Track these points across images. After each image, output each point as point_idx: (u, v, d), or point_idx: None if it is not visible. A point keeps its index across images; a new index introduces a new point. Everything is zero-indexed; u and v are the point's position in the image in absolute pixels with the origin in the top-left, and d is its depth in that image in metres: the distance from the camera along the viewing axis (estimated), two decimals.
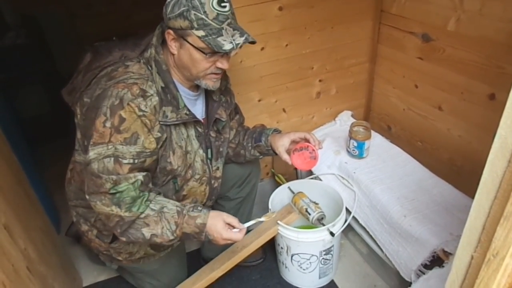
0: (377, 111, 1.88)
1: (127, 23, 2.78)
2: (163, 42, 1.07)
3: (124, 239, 1.06)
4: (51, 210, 1.75)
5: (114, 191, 0.99)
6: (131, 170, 1.00)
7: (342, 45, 1.67)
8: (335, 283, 1.53)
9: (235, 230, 1.10)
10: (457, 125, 1.44)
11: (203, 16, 0.94)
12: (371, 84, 1.83)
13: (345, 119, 1.83)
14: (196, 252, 1.68)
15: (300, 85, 1.70)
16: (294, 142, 1.25)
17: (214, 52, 0.98)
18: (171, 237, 1.06)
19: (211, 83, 1.08)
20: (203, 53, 0.99)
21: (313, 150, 1.21)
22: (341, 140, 1.69)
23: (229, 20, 0.97)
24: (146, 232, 1.04)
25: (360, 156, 1.58)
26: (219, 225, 1.07)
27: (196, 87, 1.16)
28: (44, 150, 2.29)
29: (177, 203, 1.08)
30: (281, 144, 1.24)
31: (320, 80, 1.73)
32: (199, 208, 1.09)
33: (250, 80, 1.58)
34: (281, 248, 1.44)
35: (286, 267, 1.49)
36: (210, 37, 0.95)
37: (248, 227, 1.14)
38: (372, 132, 1.62)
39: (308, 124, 1.84)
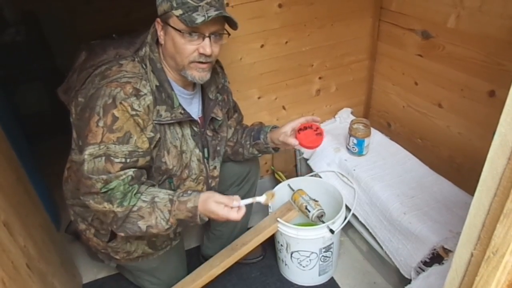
0: (377, 109, 1.87)
1: (127, 20, 2.77)
2: (158, 40, 1.06)
3: (122, 234, 1.06)
4: (50, 207, 1.75)
5: (106, 190, 0.99)
6: (122, 169, 0.99)
7: (342, 42, 1.67)
8: (335, 280, 1.53)
9: (234, 207, 1.04)
10: (457, 122, 1.44)
11: None
12: (370, 81, 1.83)
13: (345, 117, 1.83)
14: (196, 250, 1.69)
15: (300, 82, 1.70)
16: (294, 130, 1.22)
17: (190, 28, 0.96)
18: (166, 226, 1.04)
19: (196, 73, 1.04)
20: (181, 32, 0.97)
21: (317, 127, 1.19)
22: (341, 137, 1.69)
23: (208, 0, 0.96)
24: (142, 225, 1.03)
25: (360, 153, 1.58)
26: (212, 206, 1.02)
27: (191, 86, 1.15)
28: (44, 147, 2.29)
29: (169, 192, 1.06)
30: (283, 132, 1.21)
31: (320, 77, 1.72)
32: (189, 192, 1.06)
33: (250, 77, 1.57)
34: (281, 245, 1.45)
35: (286, 264, 1.49)
36: (186, 14, 0.94)
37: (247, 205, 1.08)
38: (372, 129, 1.61)
39: None
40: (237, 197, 1.05)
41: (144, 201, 1.03)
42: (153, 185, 1.10)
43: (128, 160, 1.00)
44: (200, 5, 0.95)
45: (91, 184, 0.99)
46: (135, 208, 1.02)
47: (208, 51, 0.99)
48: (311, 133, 1.19)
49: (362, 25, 1.66)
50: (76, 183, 1.21)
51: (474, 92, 1.33)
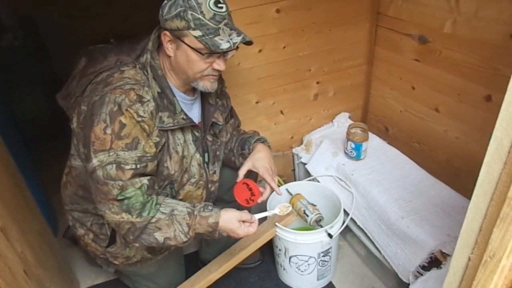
0: (374, 113, 1.88)
1: (125, 25, 2.78)
2: (159, 47, 1.06)
3: (137, 244, 1.06)
4: (48, 213, 1.74)
5: (122, 197, 0.98)
6: (133, 176, 0.99)
7: (340, 47, 1.68)
8: (333, 285, 1.53)
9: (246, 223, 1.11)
10: (454, 127, 1.44)
11: (200, 16, 0.94)
12: (368, 86, 1.84)
13: (343, 121, 1.84)
14: (194, 255, 1.68)
15: (298, 87, 1.70)
16: (250, 170, 1.21)
17: (211, 52, 0.97)
18: (185, 239, 1.05)
19: (208, 84, 1.07)
20: (200, 53, 0.98)
21: (253, 200, 1.17)
22: (339, 142, 1.70)
23: (225, 21, 0.97)
24: (159, 236, 1.03)
25: (357, 157, 1.59)
26: (234, 225, 1.07)
27: (192, 92, 1.16)
28: (42, 152, 2.28)
29: (187, 204, 1.07)
30: (251, 164, 1.20)
31: (317, 82, 1.73)
32: (209, 207, 1.08)
33: (248, 82, 1.58)
34: (279, 250, 1.44)
35: (284, 269, 1.49)
36: (207, 37, 0.95)
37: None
38: (370, 133, 1.62)
39: (306, 126, 1.84)
40: (254, 217, 1.12)
41: (163, 213, 1.03)
42: (167, 196, 1.11)
43: (138, 166, 0.99)
44: (219, 28, 0.96)
45: (107, 191, 0.98)
46: (153, 220, 1.02)
47: (223, 67, 1.03)
48: (245, 195, 1.19)
49: (359, 30, 1.67)
50: (75, 188, 1.21)
51: (471, 97, 1.33)
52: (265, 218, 1.32)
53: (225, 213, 1.08)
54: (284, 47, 1.57)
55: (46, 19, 2.62)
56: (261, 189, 1.19)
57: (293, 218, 1.39)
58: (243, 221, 1.09)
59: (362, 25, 1.66)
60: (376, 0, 1.60)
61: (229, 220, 1.07)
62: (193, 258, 1.65)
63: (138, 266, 1.28)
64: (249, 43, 1.01)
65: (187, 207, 1.06)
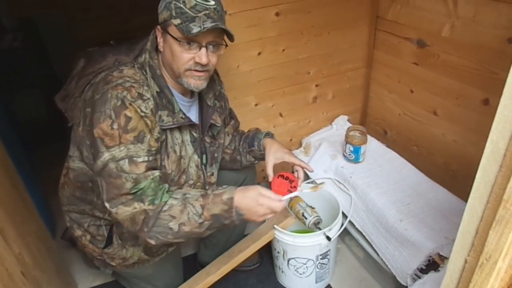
0: (373, 116, 1.89)
1: (126, 27, 2.78)
2: (157, 47, 1.07)
3: (152, 241, 1.01)
4: (46, 214, 1.74)
5: (136, 190, 0.97)
6: (147, 169, 0.98)
7: (339, 50, 1.68)
8: (332, 287, 1.53)
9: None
10: (452, 130, 1.45)
11: (181, 5, 0.96)
12: (367, 89, 1.84)
13: (342, 124, 1.84)
14: (192, 257, 1.68)
15: (297, 90, 1.71)
16: (275, 164, 1.23)
17: (185, 38, 0.97)
18: (200, 220, 0.99)
19: (192, 81, 1.04)
20: (178, 41, 0.98)
21: (295, 186, 1.18)
22: (338, 144, 1.70)
23: (207, 12, 0.97)
24: (174, 225, 0.99)
25: (356, 160, 1.59)
26: (253, 193, 1.00)
27: (189, 93, 1.16)
28: (40, 153, 2.28)
29: (201, 190, 1.05)
30: (274, 157, 1.22)
31: (316, 85, 1.74)
32: (224, 186, 1.06)
33: (247, 85, 1.58)
34: (278, 252, 1.44)
35: (282, 271, 1.49)
36: (183, 24, 0.96)
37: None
38: (368, 136, 1.62)
39: (305, 128, 1.84)
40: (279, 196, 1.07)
41: (175, 198, 1.00)
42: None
43: (150, 158, 0.99)
44: (198, 16, 0.96)
45: (121, 184, 0.96)
46: (166, 207, 0.98)
47: (204, 60, 1.00)
48: (285, 186, 1.19)
49: (358, 34, 1.68)
50: (73, 190, 1.21)
51: (468, 100, 1.34)
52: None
53: (241, 188, 1.02)
54: (283, 50, 1.57)
55: (46, 20, 2.62)
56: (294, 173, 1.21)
57: (291, 220, 1.39)
58: (264, 196, 1.01)
59: (361, 28, 1.67)
60: (375, 4, 1.61)
61: (247, 194, 1.00)
62: (191, 260, 1.65)
63: (135, 267, 1.28)
64: (228, 33, 1.01)
65: (200, 191, 1.04)
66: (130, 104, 0.97)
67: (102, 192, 1.00)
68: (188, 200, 1.00)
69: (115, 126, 0.96)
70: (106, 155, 0.96)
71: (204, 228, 1.01)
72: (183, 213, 0.99)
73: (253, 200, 1.01)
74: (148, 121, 1.00)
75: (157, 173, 1.00)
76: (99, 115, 0.97)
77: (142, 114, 0.98)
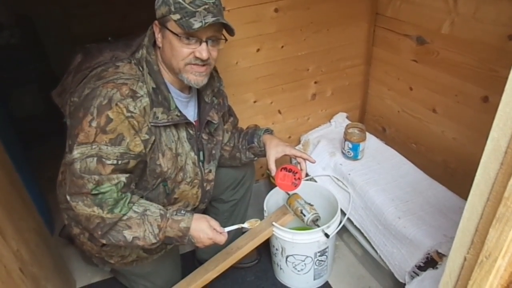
0: (372, 113, 1.88)
1: (123, 23, 2.77)
2: (155, 43, 1.06)
3: (104, 241, 1.05)
4: (44, 211, 1.74)
5: (97, 192, 0.98)
6: (113, 171, 0.99)
7: (338, 47, 1.68)
8: (330, 284, 1.53)
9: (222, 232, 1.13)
10: (451, 127, 1.45)
11: (180, 0, 0.95)
12: (366, 86, 1.84)
13: (340, 121, 1.84)
14: (191, 254, 1.68)
15: (296, 87, 1.70)
16: (276, 158, 1.24)
17: (186, 33, 0.96)
18: (154, 241, 1.05)
19: (193, 77, 1.04)
20: (178, 36, 0.98)
21: (299, 178, 1.21)
22: (336, 141, 1.70)
23: (206, 6, 0.96)
24: (128, 235, 1.03)
25: (355, 157, 1.59)
26: (204, 225, 1.10)
27: (187, 89, 1.15)
28: (38, 150, 2.27)
29: (160, 207, 1.08)
30: (275, 152, 1.24)
31: (315, 82, 1.73)
32: (182, 211, 1.10)
33: (246, 81, 1.58)
34: (276, 249, 1.44)
35: (281, 268, 1.49)
36: (183, 19, 0.95)
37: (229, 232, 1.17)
38: (367, 134, 1.62)
39: (303, 125, 1.84)
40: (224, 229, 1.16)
41: (135, 211, 1.04)
42: (142, 197, 1.11)
43: (119, 162, 0.99)
44: (198, 11, 0.96)
45: (82, 184, 0.98)
46: (124, 218, 1.02)
47: (204, 55, 1.00)
48: (289, 178, 1.23)
49: (357, 31, 1.67)
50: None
51: (468, 98, 1.34)
52: (241, 231, 1.37)
53: (197, 218, 1.10)
54: (282, 47, 1.57)
55: (43, 17, 2.61)
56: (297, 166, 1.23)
57: (290, 217, 1.39)
58: (214, 229, 1.12)
59: (360, 25, 1.66)
60: (374, 0, 1.60)
61: (201, 226, 1.09)
62: (190, 257, 1.65)
63: (134, 265, 1.28)
64: (228, 28, 1.01)
65: (160, 209, 1.07)
66: (117, 104, 0.96)
67: (66, 183, 1.04)
68: (148, 217, 1.05)
69: (94, 124, 0.95)
70: (74, 153, 0.97)
71: (156, 246, 1.09)
72: (139, 227, 1.04)
73: (204, 232, 1.10)
74: (135, 122, 0.99)
75: (122, 178, 1.01)
76: (84, 110, 0.97)
77: (128, 114, 0.97)
